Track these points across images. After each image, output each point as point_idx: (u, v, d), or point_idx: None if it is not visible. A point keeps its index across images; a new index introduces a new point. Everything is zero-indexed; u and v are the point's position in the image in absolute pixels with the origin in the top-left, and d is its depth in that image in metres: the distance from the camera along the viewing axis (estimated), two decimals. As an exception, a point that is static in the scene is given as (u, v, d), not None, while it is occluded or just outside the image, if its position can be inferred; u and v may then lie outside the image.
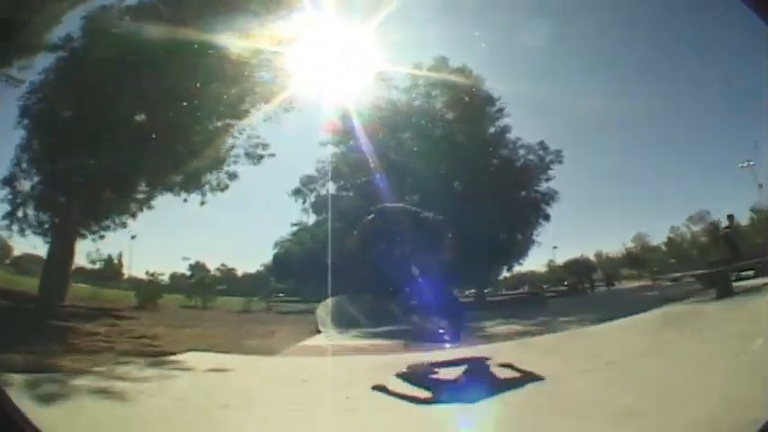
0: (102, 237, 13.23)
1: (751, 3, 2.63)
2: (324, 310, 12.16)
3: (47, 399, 3.69)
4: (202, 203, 13.38)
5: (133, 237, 14.45)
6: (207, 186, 13.44)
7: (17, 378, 4.10)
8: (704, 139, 17.16)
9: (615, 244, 20.33)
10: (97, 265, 15.27)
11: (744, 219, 17.92)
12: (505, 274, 18.54)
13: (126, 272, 16.37)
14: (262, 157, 13.59)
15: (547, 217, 15.80)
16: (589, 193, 19.00)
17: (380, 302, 8.60)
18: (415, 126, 14.93)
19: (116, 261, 16.56)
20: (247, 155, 13.54)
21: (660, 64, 15.54)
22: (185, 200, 13.31)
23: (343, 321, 11.06)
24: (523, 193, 15.84)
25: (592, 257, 19.72)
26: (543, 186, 15.83)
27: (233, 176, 13.50)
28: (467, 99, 15.37)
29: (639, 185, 18.43)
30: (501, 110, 15.59)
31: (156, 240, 16.04)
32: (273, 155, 13.63)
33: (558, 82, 15.79)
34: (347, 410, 4.26)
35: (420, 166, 14.17)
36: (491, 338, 8.61)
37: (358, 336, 10.30)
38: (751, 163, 15.17)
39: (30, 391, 3.83)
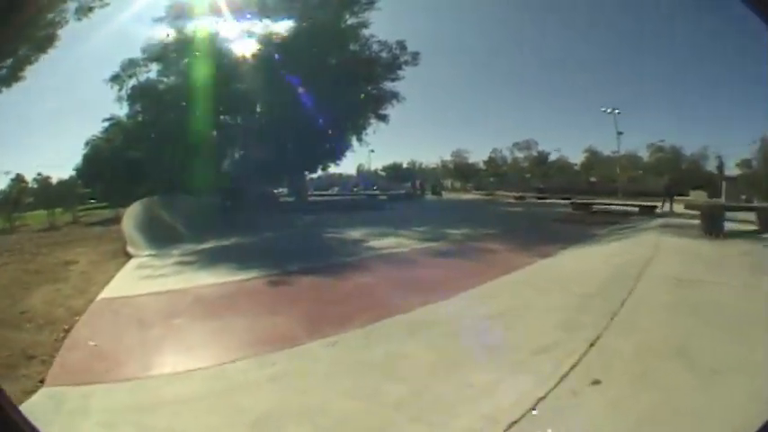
0: None
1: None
2: (131, 219, 10.92)
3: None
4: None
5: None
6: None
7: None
8: (561, 75, 17.93)
9: (432, 156, 21.47)
10: None
11: (579, 158, 20.60)
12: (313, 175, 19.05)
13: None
14: (92, 9, 12.24)
15: (383, 118, 16.07)
16: (418, 102, 18.40)
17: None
18: (266, 7, 13.97)
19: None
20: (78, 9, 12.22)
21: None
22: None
23: (158, 236, 9.77)
24: (368, 89, 15.86)
25: (405, 165, 21.02)
26: (388, 86, 15.92)
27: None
28: None
29: (473, 102, 18.90)
30: (372, 2, 14.99)
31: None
32: (107, 4, 12.28)
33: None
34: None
35: (262, 51, 13.70)
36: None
37: (185, 259, 8.41)
38: (617, 111, 16.48)
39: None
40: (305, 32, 13.81)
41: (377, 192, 19.93)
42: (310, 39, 13.73)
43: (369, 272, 7.39)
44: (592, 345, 4.16)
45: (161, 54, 14.00)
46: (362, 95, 15.50)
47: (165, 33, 13.72)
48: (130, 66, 14.06)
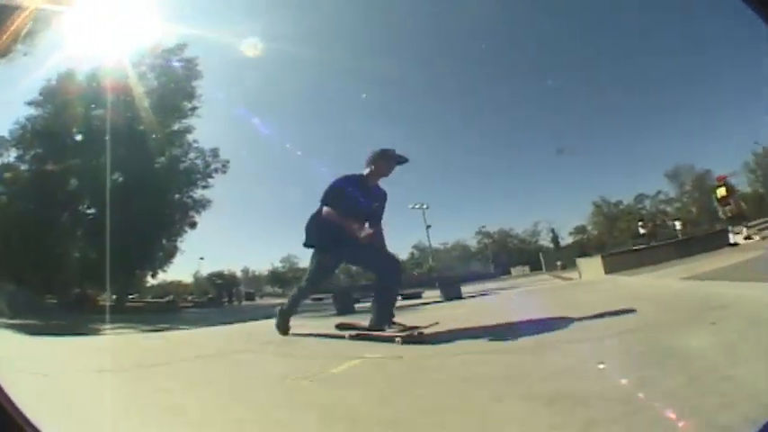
0: None
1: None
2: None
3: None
4: None
5: None
6: None
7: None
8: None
9: (264, 262, 23.56)
10: None
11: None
12: (153, 281, 19.65)
13: None
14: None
15: (193, 225, 17.43)
16: (243, 206, 20.76)
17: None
18: (111, 106, 15.08)
19: None
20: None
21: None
22: None
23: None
24: (177, 196, 17.22)
25: (239, 273, 22.60)
26: (198, 193, 17.32)
27: None
28: (166, 89, 16.42)
29: (295, 204, 20.13)
30: (194, 108, 16.79)
31: None
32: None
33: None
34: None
35: (92, 153, 15.11)
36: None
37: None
38: (425, 206, 18.62)
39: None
40: (133, 138, 15.29)
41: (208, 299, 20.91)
42: (137, 144, 15.32)
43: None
44: None
45: (20, 139, 15.54)
46: (174, 202, 16.92)
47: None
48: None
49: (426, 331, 5.15)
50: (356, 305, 11.32)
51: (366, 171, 6.05)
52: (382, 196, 6.28)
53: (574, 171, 19.98)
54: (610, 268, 11.77)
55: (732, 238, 12.11)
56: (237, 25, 15.80)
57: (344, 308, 10.74)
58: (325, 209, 5.89)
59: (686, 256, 11.23)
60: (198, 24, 15.10)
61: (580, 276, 13.55)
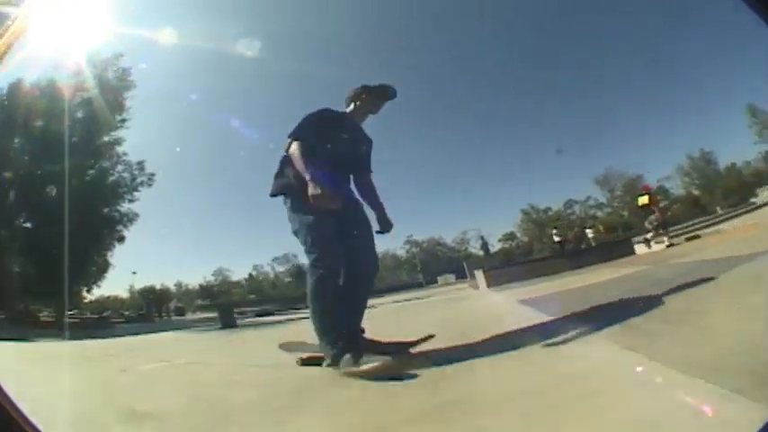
0: None
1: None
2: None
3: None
4: None
5: None
6: None
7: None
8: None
9: (196, 276, 22.92)
10: None
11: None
12: (90, 297, 18.82)
13: None
14: None
15: (121, 239, 17.48)
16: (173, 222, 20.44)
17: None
18: (49, 117, 15.09)
19: None
20: None
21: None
22: None
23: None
24: (105, 210, 17.33)
25: (173, 287, 22.21)
26: (125, 207, 17.45)
27: None
28: (98, 100, 15.94)
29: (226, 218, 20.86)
30: (124, 120, 16.84)
31: None
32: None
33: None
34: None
35: (28, 165, 15.31)
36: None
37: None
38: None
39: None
40: (67, 150, 14.81)
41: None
42: (70, 156, 14.83)
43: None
44: None
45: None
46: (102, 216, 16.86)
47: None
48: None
49: (414, 350, 4.15)
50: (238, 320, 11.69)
51: (349, 109, 4.79)
52: (369, 142, 4.90)
53: (504, 177, 20.34)
54: (490, 282, 12.00)
55: (636, 247, 12.37)
56: (168, 33, 14.33)
57: (227, 322, 11.32)
58: (294, 145, 4.25)
59: (581, 266, 11.21)
60: (131, 34, 14.30)
61: (478, 288, 13.73)
